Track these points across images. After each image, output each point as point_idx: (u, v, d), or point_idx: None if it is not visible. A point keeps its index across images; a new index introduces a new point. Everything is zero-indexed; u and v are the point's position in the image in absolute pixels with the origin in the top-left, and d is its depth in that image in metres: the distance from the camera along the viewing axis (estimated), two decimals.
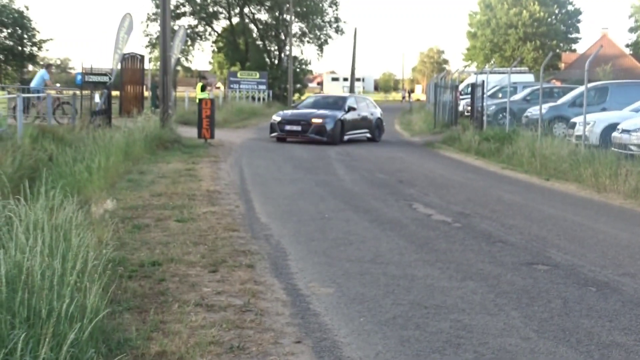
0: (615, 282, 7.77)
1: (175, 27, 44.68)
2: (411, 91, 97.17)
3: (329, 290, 7.25)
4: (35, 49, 66.46)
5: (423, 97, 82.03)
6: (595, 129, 20.67)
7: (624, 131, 18.53)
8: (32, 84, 26.32)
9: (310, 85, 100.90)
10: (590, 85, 23.15)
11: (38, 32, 66.46)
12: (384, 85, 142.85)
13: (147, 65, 43.87)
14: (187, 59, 71.05)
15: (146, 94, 37.14)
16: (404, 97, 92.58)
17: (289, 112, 27.64)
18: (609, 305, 6.94)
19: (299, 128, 25.59)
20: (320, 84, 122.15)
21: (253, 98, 52.66)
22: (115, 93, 30.69)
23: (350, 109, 26.96)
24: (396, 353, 5.55)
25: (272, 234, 9.87)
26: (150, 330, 5.75)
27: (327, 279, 7.64)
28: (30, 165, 13.05)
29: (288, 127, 25.78)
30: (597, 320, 6.46)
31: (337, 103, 27.52)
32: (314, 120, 25.63)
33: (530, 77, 44.43)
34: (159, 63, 26.17)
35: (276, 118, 26.57)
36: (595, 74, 41.70)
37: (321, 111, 26.39)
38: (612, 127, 19.50)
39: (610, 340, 5.96)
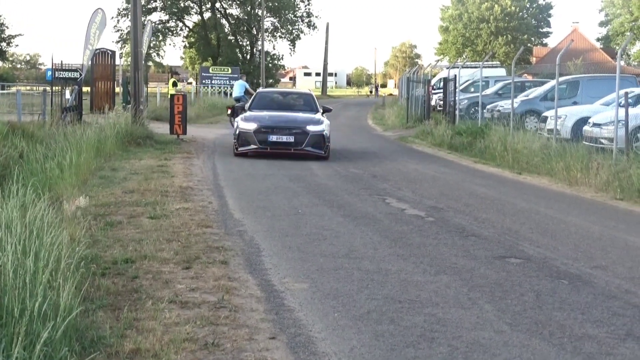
0: (587, 275, 7.84)
1: (146, 22, 44.42)
2: (379, 86, 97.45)
3: (303, 285, 7.25)
4: (4, 44, 65.82)
5: (395, 92, 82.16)
6: (566, 122, 20.82)
7: (595, 125, 18.67)
8: None
9: (282, 80, 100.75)
10: (561, 79, 23.30)
11: (7, 27, 65.90)
12: (356, 80, 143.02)
13: (118, 61, 43.59)
14: (158, 55, 70.83)
15: (117, 90, 36.90)
16: (371, 92, 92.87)
17: (262, 114, 19.77)
18: (581, 297, 7.00)
19: (290, 139, 18.70)
20: (293, 79, 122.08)
21: (225, 93, 52.48)
22: (86, 89, 30.46)
23: (325, 109, 21.27)
24: (370, 348, 5.57)
25: (245, 230, 9.86)
26: (124, 328, 5.73)
27: (301, 275, 7.64)
28: (1, 163, 12.93)
29: (274, 138, 18.68)
30: (570, 313, 6.51)
31: (303, 102, 21.61)
32: (311, 128, 18.88)
33: (502, 72, 44.68)
34: (129, 59, 25.95)
35: (247, 125, 19.05)
36: (567, 68, 41.98)
37: (306, 114, 19.95)
38: (584, 120, 19.65)
39: (583, 332, 6.01)
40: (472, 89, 33.12)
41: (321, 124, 19.19)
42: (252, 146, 18.84)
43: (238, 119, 19.95)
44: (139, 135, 21.22)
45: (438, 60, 61.76)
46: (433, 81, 38.50)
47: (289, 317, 6.29)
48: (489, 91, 31.06)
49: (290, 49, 75.43)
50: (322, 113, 20.50)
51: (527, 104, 25.85)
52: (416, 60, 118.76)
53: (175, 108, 23.17)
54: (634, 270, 8.09)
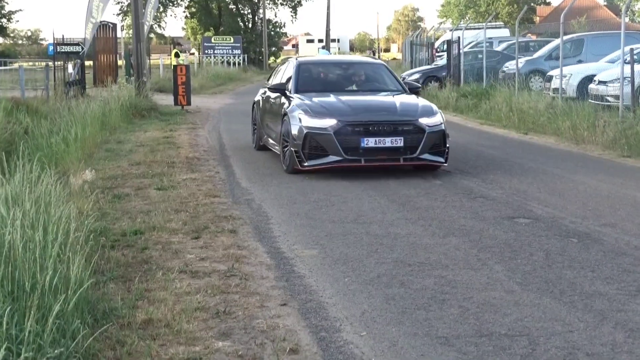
0: (596, 233, 7.83)
1: None
2: (377, 51, 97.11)
3: (312, 252, 7.25)
4: (4, 20, 65.59)
5: (399, 56, 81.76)
6: (571, 81, 20.69)
7: (600, 82, 18.56)
8: None
9: (285, 48, 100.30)
10: (565, 37, 23.13)
11: (7, 3, 65.61)
12: (359, 46, 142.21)
13: (120, 34, 43.44)
14: (159, 26, 70.47)
15: (120, 62, 36.80)
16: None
17: (331, 101, 11.97)
18: (591, 255, 6.99)
19: (398, 141, 11.19)
20: (296, 46, 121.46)
21: (228, 63, 52.33)
22: (88, 63, 30.36)
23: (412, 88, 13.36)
24: (382, 311, 5.58)
25: (253, 199, 9.86)
26: (135, 299, 5.74)
27: (310, 241, 7.65)
28: (6, 139, 12.92)
29: (370, 142, 11.12)
30: (580, 271, 6.51)
31: (377, 77, 13.60)
32: (426, 121, 11.49)
33: (505, 32, 44.35)
34: (131, 31, 25.83)
35: (316, 121, 11.36)
36: (570, 27, 41.67)
37: (400, 98, 12.34)
38: (589, 79, 19.52)
39: (593, 290, 6.01)
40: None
41: (436, 113, 11.70)
42: (332, 157, 10.98)
43: (288, 109, 11.78)
44: (143, 108, 21.19)
45: (441, 23, 61.40)
46: (437, 44, 38.30)
47: (299, 283, 6.30)
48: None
49: (292, 15, 75.21)
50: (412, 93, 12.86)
51: (531, 63, 25.67)
52: (419, 23, 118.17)
53: (179, 79, 23.12)
54: None
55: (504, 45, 31.91)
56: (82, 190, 9.32)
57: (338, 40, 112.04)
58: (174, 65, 25.00)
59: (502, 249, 7.21)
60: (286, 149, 11.65)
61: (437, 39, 43.30)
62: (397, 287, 6.12)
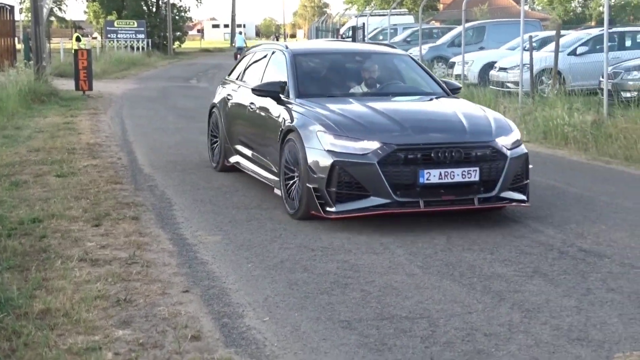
0: (495, 215, 8.00)
1: None
2: (279, 36, 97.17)
3: (216, 238, 7.21)
4: None
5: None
6: (473, 67, 21.13)
7: (501, 69, 19.00)
8: None
9: (190, 33, 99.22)
10: (467, 25, 23.56)
11: None
12: (265, 31, 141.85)
13: (18, 17, 42.22)
14: (60, 9, 68.76)
15: (19, 46, 35.75)
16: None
17: (362, 111, 8.14)
18: (490, 238, 7.15)
19: (472, 174, 7.52)
20: (201, 31, 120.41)
21: (132, 48, 51.43)
22: None
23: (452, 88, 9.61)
24: (285, 296, 5.58)
25: (156, 185, 9.73)
26: (32, 288, 5.60)
27: (213, 227, 7.60)
28: None
29: (433, 176, 7.40)
30: (479, 254, 6.64)
31: (403, 74, 9.92)
32: (504, 142, 7.89)
33: (410, 19, 44.91)
34: (30, 14, 25.11)
35: (347, 144, 7.56)
36: (473, 14, 42.43)
37: (450, 104, 8.67)
38: (490, 65, 19.98)
39: (492, 272, 6.14)
40: (381, 37, 33.23)
41: (513, 129, 8.20)
42: (376, 200, 7.44)
43: (295, 123, 8.13)
44: (43, 93, 20.62)
45: (346, 9, 61.69)
46: (342, 30, 38.49)
47: (202, 269, 6.25)
48: (397, 38, 31.19)
49: (197, 0, 74.20)
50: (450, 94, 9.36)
51: (434, 50, 26.08)
52: (325, 9, 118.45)
53: (80, 63, 22.61)
54: (541, 209, 8.29)
55: (408, 32, 32.29)
56: None
57: (244, 26, 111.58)
58: (74, 50, 24.40)
59: (405, 233, 7.29)
60: (293, 183, 8.00)
61: (343, 25, 43.50)
62: (300, 272, 6.14)
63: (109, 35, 53.38)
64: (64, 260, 6.33)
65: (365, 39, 28.92)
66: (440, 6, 72.41)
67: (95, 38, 59.87)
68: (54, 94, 21.17)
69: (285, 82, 8.91)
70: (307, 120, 8.00)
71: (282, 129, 8.35)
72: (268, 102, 9.00)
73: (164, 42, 62.04)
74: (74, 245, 6.84)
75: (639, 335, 4.84)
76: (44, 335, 4.73)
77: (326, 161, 7.48)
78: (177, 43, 66.70)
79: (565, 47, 19.05)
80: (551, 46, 18.11)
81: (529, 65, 16.49)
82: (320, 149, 7.58)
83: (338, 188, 7.42)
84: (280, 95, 8.78)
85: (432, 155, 7.41)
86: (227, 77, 11.33)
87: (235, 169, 10.15)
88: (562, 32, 20.44)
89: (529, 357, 4.53)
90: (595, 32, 20.19)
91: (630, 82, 15.62)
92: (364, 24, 29.41)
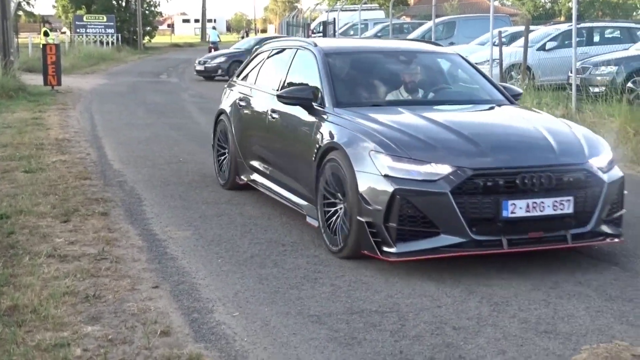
0: None
1: None
2: (249, 31, 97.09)
3: (186, 233, 7.19)
4: None
5: None
6: None
7: None
8: None
9: (160, 27, 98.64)
10: (438, 20, 23.65)
11: None
12: (236, 26, 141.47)
13: None
14: (28, 3, 68.07)
15: None
16: (242, 37, 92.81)
17: (415, 123, 6.67)
18: None
19: (566, 206, 6.12)
20: (171, 26, 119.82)
21: (101, 42, 51.06)
22: None
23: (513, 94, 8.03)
24: (255, 291, 5.58)
25: (126, 180, 9.67)
26: (0, 285, 5.55)
27: (183, 223, 7.57)
28: None
29: (520, 209, 5.99)
30: None
31: (448, 76, 8.32)
32: (598, 163, 6.45)
33: (380, 14, 45.01)
34: None
35: (404, 166, 6.06)
36: (443, 9, 42.56)
37: (521, 117, 7.20)
38: None
39: (461, 265, 6.15)
40: (352, 32, 33.28)
41: (605, 146, 6.79)
42: (448, 238, 5.96)
43: (339, 139, 6.63)
44: (11, 88, 20.41)
45: (317, 4, 61.68)
46: (313, 25, 38.50)
47: (172, 265, 6.23)
48: (368, 34, 31.25)
49: None
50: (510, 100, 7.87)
51: None
52: (295, 4, 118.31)
53: (48, 58, 22.42)
54: None
55: (378, 27, 32.36)
56: None
57: (214, 21, 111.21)
58: (43, 44, 24.17)
59: None
60: (335, 213, 6.53)
61: (314, 19, 43.51)
62: (270, 267, 6.14)
63: (78, 30, 52.95)
64: (32, 256, 6.28)
65: (336, 34, 28.92)
66: (411, 1, 72.62)
67: (64, 33, 59.32)
68: (22, 89, 20.98)
69: (316, 88, 7.40)
70: (354, 136, 6.48)
71: (319, 146, 6.83)
72: (297, 111, 7.44)
73: (134, 37, 61.66)
74: (42, 242, 6.79)
75: (605, 328, 4.90)
76: (11, 332, 4.69)
77: (385, 189, 5.97)
78: (147, 38, 66.36)
79: (534, 42, 19.19)
80: (520, 41, 18.22)
81: (498, 61, 16.61)
82: (375, 174, 6.06)
83: (400, 223, 5.92)
84: (313, 103, 7.29)
85: (518, 181, 5.98)
86: (235, 79, 9.74)
87: (249, 187, 8.71)
88: (532, 27, 20.60)
89: (497, 350, 4.57)
90: (564, 27, 20.35)
91: (599, 77, 15.77)
92: (334, 19, 29.41)
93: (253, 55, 9.62)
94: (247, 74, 9.39)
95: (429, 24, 25.81)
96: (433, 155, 6.06)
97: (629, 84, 15.69)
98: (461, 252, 5.95)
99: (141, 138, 13.39)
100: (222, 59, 29.14)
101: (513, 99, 7.83)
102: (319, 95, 7.31)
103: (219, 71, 28.55)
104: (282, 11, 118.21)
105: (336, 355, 4.52)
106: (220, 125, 9.50)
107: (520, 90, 8.52)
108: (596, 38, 21.14)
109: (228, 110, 9.28)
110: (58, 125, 15.02)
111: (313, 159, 6.90)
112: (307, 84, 7.65)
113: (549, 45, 19.59)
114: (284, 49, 8.83)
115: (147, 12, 66.10)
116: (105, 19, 53.95)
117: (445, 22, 27.24)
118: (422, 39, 25.51)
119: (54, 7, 75.79)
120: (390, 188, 5.94)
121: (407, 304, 5.31)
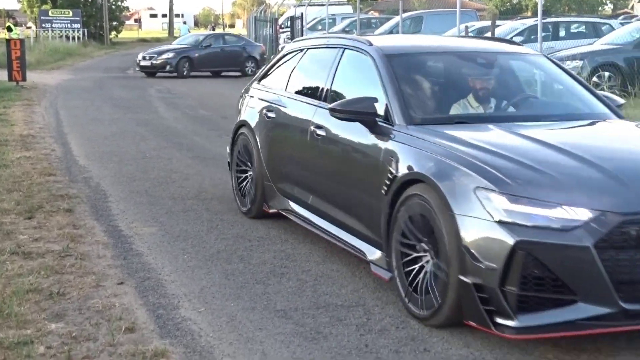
0: None
1: None
2: (216, 25, 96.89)
3: (151, 229, 7.15)
4: None
5: (244, 32, 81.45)
6: None
7: None
8: None
9: (127, 22, 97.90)
10: (405, 15, 23.70)
11: None
12: (204, 21, 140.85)
13: None
14: None
15: None
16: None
17: (525, 146, 5.02)
18: None
19: None
20: (138, 20, 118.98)
21: (67, 37, 50.60)
22: None
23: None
24: (221, 287, 5.57)
25: (91, 176, 9.60)
26: None
27: (149, 219, 7.53)
28: None
29: None
30: None
31: (529, 80, 7.16)
32: None
33: (348, 9, 45.01)
34: None
35: (525, 210, 4.40)
36: (411, 4, 42.70)
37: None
38: None
39: None
40: (320, 27, 33.26)
41: None
42: (587, 308, 4.32)
43: (428, 169, 4.93)
44: None
45: None
46: (280, 20, 38.43)
47: (137, 261, 6.19)
48: (336, 28, 31.25)
49: None
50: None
51: None
52: None
53: (13, 53, 22.21)
54: None
55: (346, 22, 32.38)
56: None
57: (182, 16, 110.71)
58: (7, 39, 23.89)
59: None
60: (419, 266, 4.96)
61: (282, 15, 43.43)
62: (236, 263, 6.13)
63: (43, 25, 52.39)
64: None
65: (304, 29, 28.89)
66: None
67: (29, 27, 58.69)
68: None
69: (374, 99, 5.72)
70: (446, 166, 4.86)
71: (393, 176, 5.23)
72: (353, 128, 5.82)
73: (101, 32, 61.18)
74: (6, 239, 6.71)
75: None
76: None
77: (502, 241, 4.39)
78: (113, 33, 65.87)
79: (501, 36, 19.28)
80: (487, 36, 18.29)
81: None
82: (485, 219, 4.48)
83: (522, 288, 4.36)
84: (377, 118, 5.66)
85: None
86: (258, 84, 7.98)
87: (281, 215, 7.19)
88: (498, 22, 20.71)
89: (463, 343, 4.60)
90: (530, 22, 20.49)
91: None
92: (302, 14, 29.37)
93: (280, 55, 7.96)
94: (275, 79, 7.70)
95: (396, 19, 25.87)
96: (564, 195, 4.47)
97: (594, 79, 15.85)
98: (607, 327, 4.39)
99: (107, 134, 13.29)
100: (171, 54, 28.06)
101: (618, 110, 6.25)
102: (384, 109, 5.68)
103: (167, 67, 27.58)
104: (250, 6, 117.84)
105: (302, 349, 4.52)
106: (240, 140, 7.84)
107: (622, 100, 6.75)
108: (562, 33, 21.31)
109: (251, 122, 7.59)
110: (23, 121, 14.87)
111: (383, 192, 5.30)
112: (366, 96, 5.83)
113: (515, 40, 19.69)
114: (323, 48, 7.19)
115: (113, 6, 65.59)
116: (71, 14, 53.44)
117: (413, 17, 27.35)
118: (390, 33, 25.60)
119: (19, 1, 75.01)
120: (509, 240, 4.35)
121: (373, 298, 5.32)
